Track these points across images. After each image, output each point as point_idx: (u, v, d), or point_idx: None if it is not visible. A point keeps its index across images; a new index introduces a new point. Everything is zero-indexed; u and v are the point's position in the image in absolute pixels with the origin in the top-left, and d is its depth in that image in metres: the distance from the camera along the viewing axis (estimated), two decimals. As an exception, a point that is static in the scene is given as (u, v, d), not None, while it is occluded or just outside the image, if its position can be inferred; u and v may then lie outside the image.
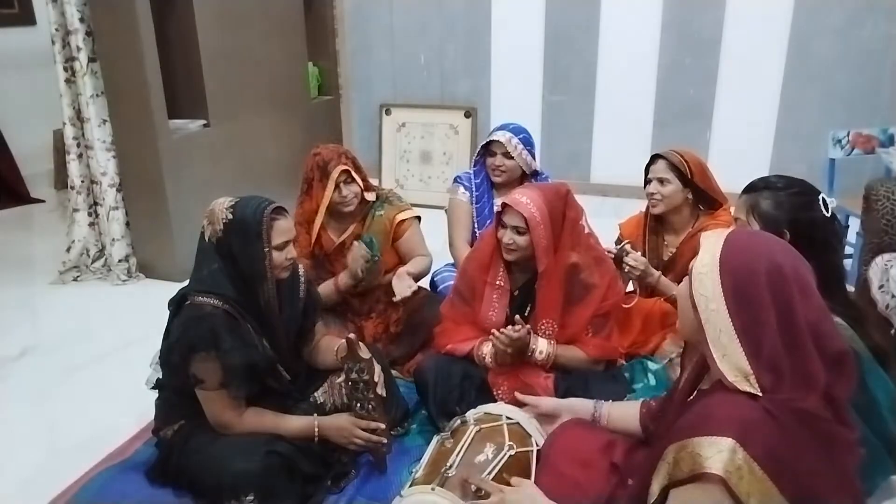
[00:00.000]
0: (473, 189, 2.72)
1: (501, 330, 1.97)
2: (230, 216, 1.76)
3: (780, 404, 1.10)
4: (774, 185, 1.71)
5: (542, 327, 2.04)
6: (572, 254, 2.01)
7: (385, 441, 1.87)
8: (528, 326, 1.98)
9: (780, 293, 1.13)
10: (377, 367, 1.84)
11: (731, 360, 1.14)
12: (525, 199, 1.96)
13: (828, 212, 1.64)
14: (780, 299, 1.12)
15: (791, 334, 1.12)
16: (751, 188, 1.74)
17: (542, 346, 2.02)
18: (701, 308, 1.17)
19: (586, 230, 2.09)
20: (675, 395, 1.42)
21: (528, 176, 2.71)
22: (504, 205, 2.00)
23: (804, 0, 3.96)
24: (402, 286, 2.33)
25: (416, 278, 2.46)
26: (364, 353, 1.82)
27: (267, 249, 1.76)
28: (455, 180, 2.79)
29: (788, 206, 1.65)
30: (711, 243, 1.20)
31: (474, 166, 2.74)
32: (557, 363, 2.04)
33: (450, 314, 2.19)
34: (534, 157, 2.69)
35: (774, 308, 1.12)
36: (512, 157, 2.60)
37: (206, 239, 1.79)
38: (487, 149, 2.66)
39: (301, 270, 2.00)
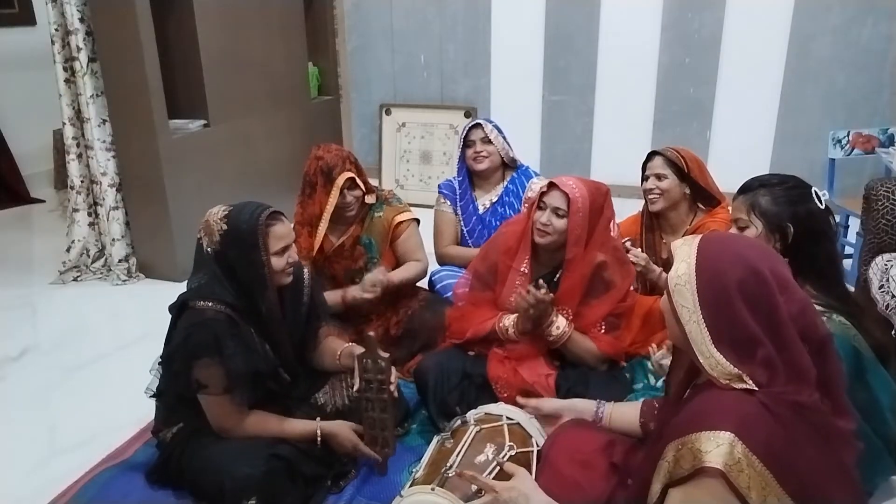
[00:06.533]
0: (456, 188, 2.76)
1: (528, 288, 1.95)
2: (224, 227, 1.73)
3: (776, 398, 1.10)
4: (770, 183, 1.72)
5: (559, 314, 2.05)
6: (600, 253, 2.04)
7: (385, 452, 1.86)
8: (551, 295, 1.96)
9: (762, 295, 1.13)
10: (393, 369, 1.82)
11: (720, 368, 1.14)
12: (572, 183, 2.01)
13: (822, 204, 1.65)
14: (762, 302, 1.13)
15: (779, 333, 1.12)
16: (746, 188, 1.75)
17: (560, 323, 2.02)
18: (684, 320, 1.17)
19: (614, 233, 2.12)
20: (670, 394, 1.41)
21: (508, 167, 2.77)
22: (550, 184, 2.04)
23: (804, 0, 3.96)
24: (371, 281, 2.30)
25: (403, 283, 2.45)
26: (382, 352, 1.80)
27: (265, 257, 1.73)
28: (438, 189, 2.82)
29: (787, 200, 1.66)
30: (685, 252, 1.20)
31: (458, 163, 2.78)
32: (567, 346, 2.05)
33: (468, 297, 2.19)
34: (510, 146, 2.74)
35: (758, 311, 1.12)
36: (491, 142, 2.64)
37: (204, 249, 1.76)
38: (465, 142, 2.70)
39: (305, 274, 1.97)
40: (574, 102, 4.56)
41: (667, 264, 2.42)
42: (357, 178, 2.37)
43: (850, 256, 3.05)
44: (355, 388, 1.81)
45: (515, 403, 1.89)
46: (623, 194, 4.34)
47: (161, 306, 1.85)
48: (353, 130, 5.10)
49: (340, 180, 2.32)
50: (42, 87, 4.09)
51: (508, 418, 1.75)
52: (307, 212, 2.41)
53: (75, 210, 3.47)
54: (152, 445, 1.98)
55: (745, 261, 1.15)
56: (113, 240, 3.42)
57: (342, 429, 1.85)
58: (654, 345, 2.29)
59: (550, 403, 1.82)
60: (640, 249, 2.38)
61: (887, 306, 1.93)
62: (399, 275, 2.44)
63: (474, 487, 1.51)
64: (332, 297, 2.35)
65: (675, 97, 4.35)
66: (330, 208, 2.34)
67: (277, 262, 1.77)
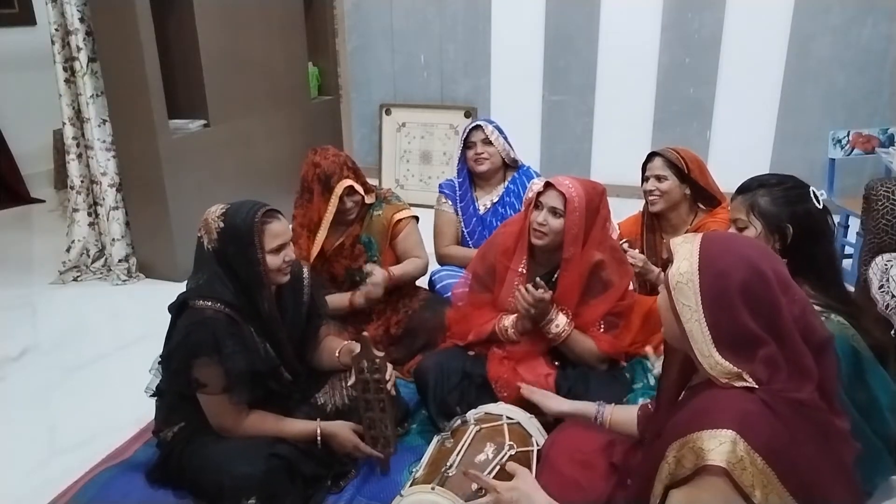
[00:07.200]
0: (457, 189, 2.76)
1: (527, 286, 1.96)
2: (222, 224, 1.74)
3: (777, 396, 1.10)
4: (769, 183, 1.72)
5: None
6: (597, 252, 2.04)
7: (387, 451, 1.86)
8: (550, 292, 1.97)
9: (765, 295, 1.13)
10: (389, 366, 1.82)
11: (720, 367, 1.14)
12: (568, 183, 2.01)
13: (820, 203, 1.65)
14: (765, 301, 1.13)
15: (781, 332, 1.12)
16: (745, 189, 1.75)
17: (560, 321, 2.02)
18: (685, 318, 1.16)
19: (611, 232, 2.12)
20: (663, 395, 1.41)
21: (509, 167, 2.76)
22: (547, 184, 2.04)
23: (804, 0, 3.96)
24: (372, 283, 2.32)
25: (403, 279, 2.46)
26: (377, 351, 1.80)
27: (261, 255, 1.73)
28: (439, 189, 2.82)
29: (785, 200, 1.66)
30: (686, 251, 1.20)
31: (459, 164, 2.77)
32: (567, 345, 2.05)
33: (467, 299, 2.19)
34: (511, 147, 2.73)
35: (761, 311, 1.12)
36: (492, 143, 2.64)
37: (204, 248, 1.76)
38: (466, 143, 2.69)
39: (305, 274, 1.97)
40: (574, 102, 4.56)
41: (667, 265, 2.41)
42: (356, 185, 2.36)
43: (850, 256, 3.05)
44: (350, 382, 1.81)
45: (516, 403, 1.89)
46: (623, 194, 4.36)
47: (161, 306, 1.85)
48: (353, 130, 5.10)
49: (339, 189, 2.31)
50: (42, 87, 4.10)
51: (508, 418, 1.75)
52: (307, 215, 2.40)
53: (75, 210, 3.47)
54: (152, 445, 1.98)
55: (748, 260, 1.15)
56: (113, 240, 3.43)
57: (342, 429, 1.85)
58: (650, 351, 2.29)
59: (553, 405, 1.83)
60: (637, 250, 2.39)
61: (887, 306, 1.93)
62: (399, 269, 2.44)
63: (475, 486, 1.51)
64: (338, 300, 2.36)
65: (675, 97, 4.36)
66: (329, 216, 2.34)
67: (273, 261, 1.76)
